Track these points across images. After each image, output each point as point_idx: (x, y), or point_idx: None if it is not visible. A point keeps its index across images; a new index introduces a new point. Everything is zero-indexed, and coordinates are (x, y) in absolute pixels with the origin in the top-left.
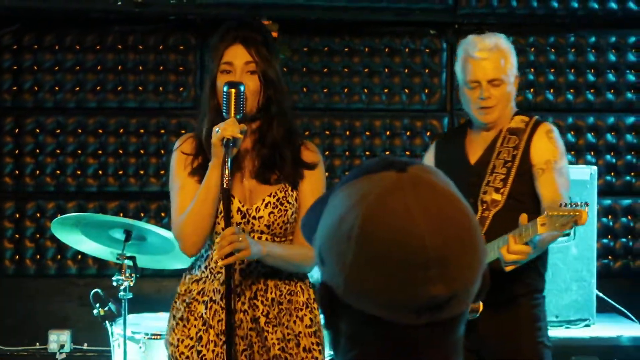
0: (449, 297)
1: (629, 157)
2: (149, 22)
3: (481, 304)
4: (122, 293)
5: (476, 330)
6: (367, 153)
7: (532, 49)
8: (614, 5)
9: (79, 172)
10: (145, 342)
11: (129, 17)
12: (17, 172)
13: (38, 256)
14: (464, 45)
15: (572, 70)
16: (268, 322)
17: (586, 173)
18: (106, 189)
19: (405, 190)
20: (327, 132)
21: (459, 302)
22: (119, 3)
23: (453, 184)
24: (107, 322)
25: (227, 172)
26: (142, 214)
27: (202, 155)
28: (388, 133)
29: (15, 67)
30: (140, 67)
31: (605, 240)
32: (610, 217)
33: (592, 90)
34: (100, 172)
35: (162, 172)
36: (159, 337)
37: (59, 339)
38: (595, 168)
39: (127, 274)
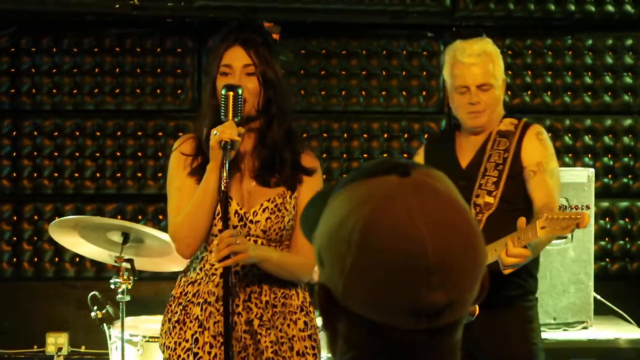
0: (449, 303)
1: (626, 159)
2: (147, 25)
3: (477, 307)
4: (119, 296)
5: (470, 332)
6: (365, 155)
7: (529, 52)
8: (611, 8)
9: (76, 175)
10: (143, 344)
11: (126, 19)
12: (14, 174)
13: (36, 259)
14: (451, 50)
15: (569, 73)
16: (262, 324)
17: (583, 175)
18: (104, 192)
19: (407, 196)
20: (325, 135)
21: (458, 308)
22: (117, 6)
23: (456, 190)
24: (104, 324)
25: (225, 174)
26: (139, 217)
27: (201, 156)
28: (386, 135)
29: (12, 70)
30: (138, 70)
31: (602, 243)
32: (607, 219)
33: (589, 93)
34: (97, 174)
35: (160, 174)
36: (156, 339)
37: (56, 342)
38: (592, 170)
39: (125, 277)
